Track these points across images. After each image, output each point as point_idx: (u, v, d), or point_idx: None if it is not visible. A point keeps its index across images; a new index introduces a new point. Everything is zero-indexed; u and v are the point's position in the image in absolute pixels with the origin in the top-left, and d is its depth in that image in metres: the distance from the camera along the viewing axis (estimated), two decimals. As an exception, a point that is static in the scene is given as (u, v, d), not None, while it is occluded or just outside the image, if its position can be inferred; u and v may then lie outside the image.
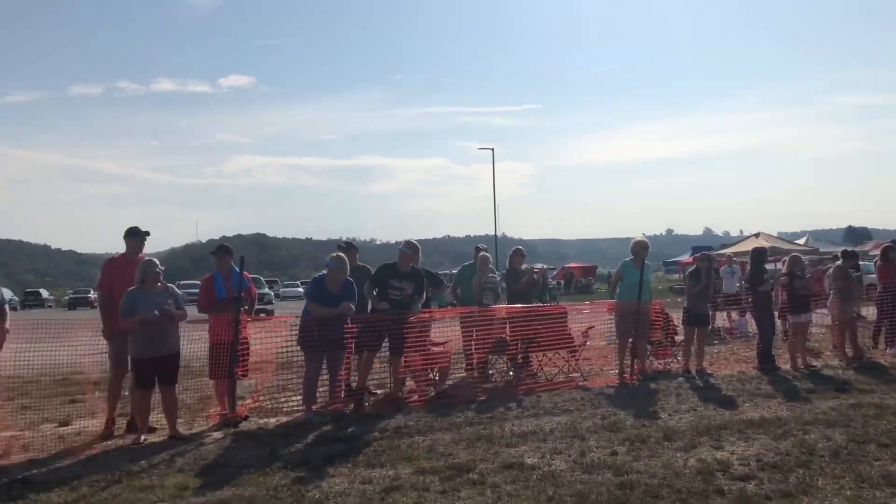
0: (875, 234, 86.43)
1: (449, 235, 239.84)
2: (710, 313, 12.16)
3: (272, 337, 8.30)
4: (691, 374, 9.86)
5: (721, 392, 8.72)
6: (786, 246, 26.23)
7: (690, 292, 10.45)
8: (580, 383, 9.38)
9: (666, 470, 5.46)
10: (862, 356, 10.84)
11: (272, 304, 29.90)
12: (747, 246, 24.63)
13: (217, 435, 7.05)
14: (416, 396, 8.51)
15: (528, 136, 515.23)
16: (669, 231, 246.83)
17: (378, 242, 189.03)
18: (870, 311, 12.35)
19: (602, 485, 5.14)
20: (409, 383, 8.90)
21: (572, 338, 10.08)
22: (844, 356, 10.76)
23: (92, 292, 43.73)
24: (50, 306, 52.36)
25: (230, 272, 7.87)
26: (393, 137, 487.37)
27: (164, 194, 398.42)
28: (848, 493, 4.81)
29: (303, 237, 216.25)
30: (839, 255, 13.59)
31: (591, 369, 10.35)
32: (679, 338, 11.29)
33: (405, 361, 8.46)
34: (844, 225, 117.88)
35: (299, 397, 7.90)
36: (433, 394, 8.60)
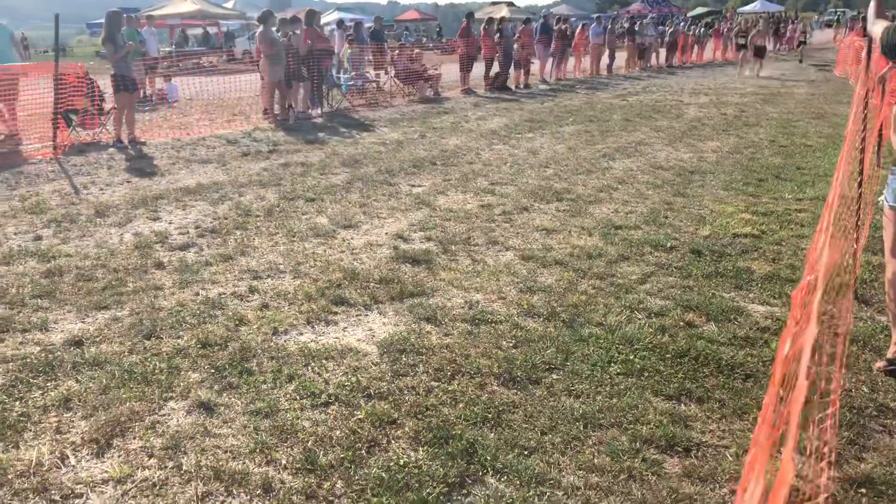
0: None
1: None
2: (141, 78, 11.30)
3: None
4: (124, 144, 9.18)
5: (156, 161, 8.37)
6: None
7: (114, 58, 9.35)
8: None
9: (100, 249, 5.02)
10: (289, 118, 11.47)
11: None
12: (176, 8, 23.54)
13: None
14: None
15: None
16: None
17: None
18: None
19: (25, 276, 4.46)
20: None
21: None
22: (274, 118, 11.26)
23: None
24: None
25: None
26: None
27: None
28: (281, 248, 5.10)
29: None
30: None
31: None
32: (109, 105, 10.29)
33: None
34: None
35: None
36: None
